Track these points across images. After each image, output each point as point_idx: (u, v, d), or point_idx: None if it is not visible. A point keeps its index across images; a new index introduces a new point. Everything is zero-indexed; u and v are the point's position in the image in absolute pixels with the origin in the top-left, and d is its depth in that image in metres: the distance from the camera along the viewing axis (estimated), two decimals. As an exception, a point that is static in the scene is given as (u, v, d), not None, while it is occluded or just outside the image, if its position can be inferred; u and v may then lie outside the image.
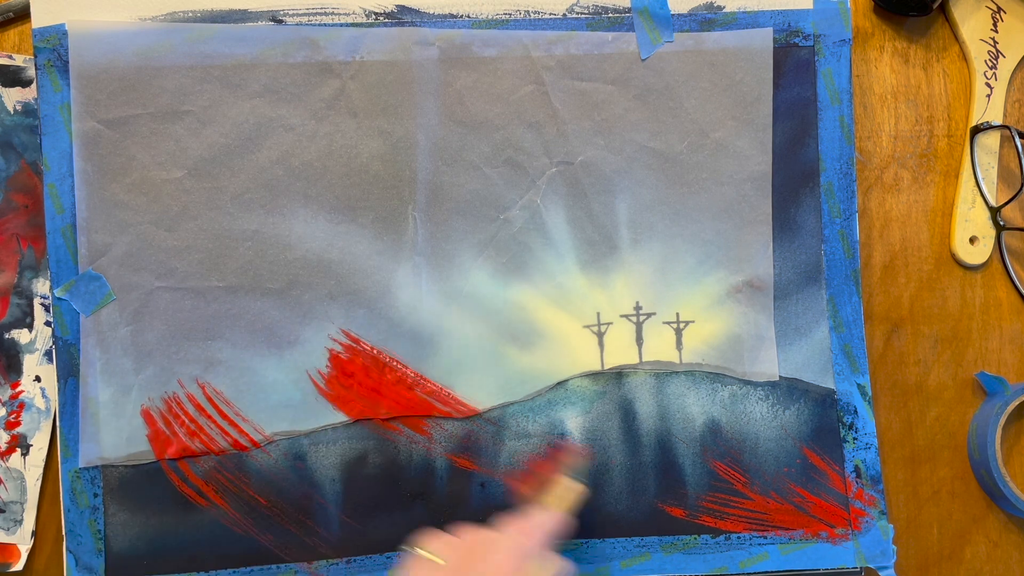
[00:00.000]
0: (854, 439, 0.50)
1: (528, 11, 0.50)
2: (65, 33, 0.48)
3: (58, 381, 0.48)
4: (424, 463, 0.49)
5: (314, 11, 0.49)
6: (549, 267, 0.50)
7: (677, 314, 0.50)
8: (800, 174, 0.50)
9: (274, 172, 0.49)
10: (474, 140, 0.50)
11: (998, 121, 0.52)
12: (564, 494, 0.45)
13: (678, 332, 0.50)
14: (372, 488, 0.48)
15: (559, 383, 0.50)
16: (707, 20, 0.50)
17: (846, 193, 0.50)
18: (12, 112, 0.50)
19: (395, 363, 0.49)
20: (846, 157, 0.50)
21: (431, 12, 0.50)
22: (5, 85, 0.50)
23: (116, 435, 0.48)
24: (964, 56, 0.53)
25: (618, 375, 0.50)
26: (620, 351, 0.50)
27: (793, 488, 0.49)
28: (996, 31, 0.53)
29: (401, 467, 0.49)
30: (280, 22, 0.49)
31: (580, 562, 0.49)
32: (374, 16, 0.50)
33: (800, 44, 0.50)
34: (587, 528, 0.49)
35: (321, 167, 0.49)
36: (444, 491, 0.49)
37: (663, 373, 0.50)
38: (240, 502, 0.48)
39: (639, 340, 0.50)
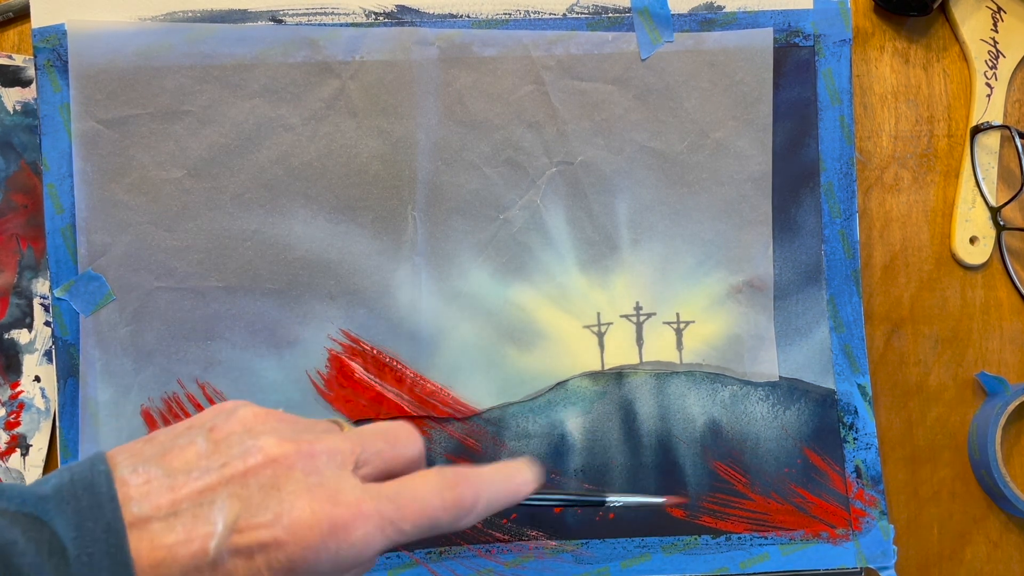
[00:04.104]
0: (854, 439, 0.50)
1: (528, 11, 0.50)
2: (65, 33, 0.48)
3: (58, 381, 0.48)
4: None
5: (314, 11, 0.49)
6: (549, 267, 0.50)
7: (677, 314, 0.50)
8: (800, 174, 0.50)
9: (274, 172, 0.49)
10: (474, 140, 0.50)
11: (998, 121, 0.52)
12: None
13: (678, 332, 0.50)
14: (372, 488, 0.48)
15: (559, 383, 0.50)
16: (707, 20, 0.50)
17: (846, 193, 0.50)
18: (12, 112, 0.50)
19: (395, 363, 0.49)
20: (846, 157, 0.50)
21: (431, 12, 0.50)
22: (5, 85, 0.50)
23: (116, 435, 0.48)
24: (964, 56, 0.53)
25: (618, 375, 0.50)
26: (620, 351, 0.50)
27: (794, 488, 0.49)
28: (996, 31, 0.53)
29: (401, 467, 0.49)
30: (280, 22, 0.49)
31: (580, 562, 0.49)
32: (374, 16, 0.49)
33: (800, 44, 0.50)
34: (588, 528, 0.49)
35: (321, 167, 0.49)
36: (444, 491, 0.49)
37: (663, 373, 0.50)
38: (240, 502, 0.48)
39: (639, 340, 0.50)
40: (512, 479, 0.34)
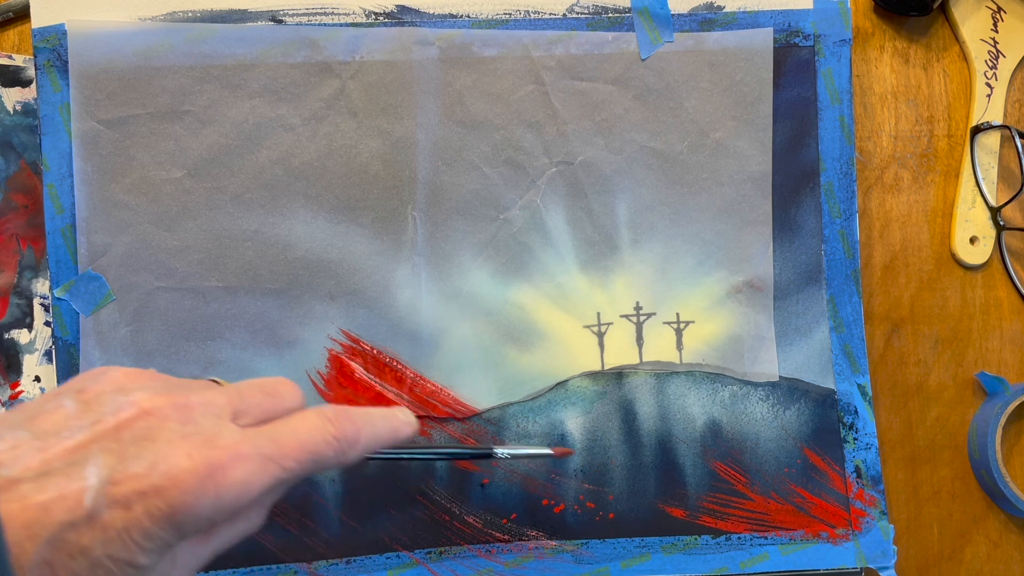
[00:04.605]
0: (854, 439, 0.50)
1: (528, 11, 0.50)
2: (65, 33, 0.48)
3: (58, 381, 0.48)
4: (424, 463, 0.49)
5: (314, 11, 0.49)
6: (549, 267, 0.50)
7: (677, 314, 0.50)
8: (800, 174, 0.50)
9: (274, 172, 0.49)
10: (474, 140, 0.50)
11: (998, 121, 0.52)
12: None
13: (678, 332, 0.50)
14: (372, 488, 0.48)
15: (559, 383, 0.50)
16: (707, 20, 0.50)
17: (846, 193, 0.50)
18: (12, 112, 0.50)
19: (395, 363, 0.49)
20: (846, 157, 0.50)
21: (431, 12, 0.50)
22: (5, 85, 0.50)
23: (116, 435, 0.48)
24: (964, 56, 0.53)
25: (618, 375, 0.50)
26: (620, 351, 0.50)
27: (794, 488, 0.49)
28: (996, 31, 0.53)
29: (401, 467, 0.49)
30: (280, 22, 0.49)
31: (580, 562, 0.49)
32: (374, 16, 0.50)
33: (800, 44, 0.50)
34: (588, 528, 0.49)
35: (321, 167, 0.49)
36: (444, 491, 0.49)
37: (663, 373, 0.50)
38: (240, 502, 0.48)
39: (639, 340, 0.50)
40: (393, 417, 0.35)
